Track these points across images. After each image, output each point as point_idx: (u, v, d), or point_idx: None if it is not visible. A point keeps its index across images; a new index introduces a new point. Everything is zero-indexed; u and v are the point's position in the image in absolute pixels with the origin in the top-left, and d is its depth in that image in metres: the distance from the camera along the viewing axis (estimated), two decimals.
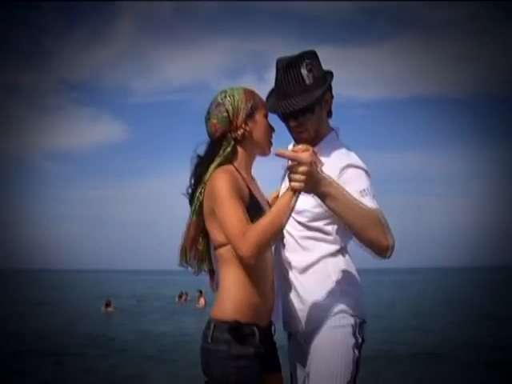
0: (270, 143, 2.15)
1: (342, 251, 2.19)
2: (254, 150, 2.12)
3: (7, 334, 14.16)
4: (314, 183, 1.78)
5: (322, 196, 1.83)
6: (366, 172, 2.09)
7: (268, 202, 2.19)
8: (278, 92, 2.14)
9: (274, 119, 2.19)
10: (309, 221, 2.14)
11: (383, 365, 9.85)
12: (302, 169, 1.74)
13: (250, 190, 2.03)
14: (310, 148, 1.77)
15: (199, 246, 2.13)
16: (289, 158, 1.79)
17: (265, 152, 2.14)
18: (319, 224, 2.14)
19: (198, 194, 2.02)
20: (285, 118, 2.17)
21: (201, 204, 2.02)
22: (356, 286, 2.20)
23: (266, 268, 2.05)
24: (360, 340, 2.12)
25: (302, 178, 1.75)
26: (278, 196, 2.19)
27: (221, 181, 1.94)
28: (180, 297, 27.44)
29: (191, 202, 2.07)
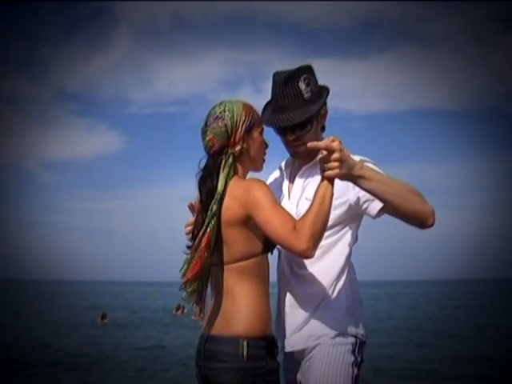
0: (264, 160, 2.15)
1: (349, 265, 2.18)
2: (248, 166, 2.10)
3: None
4: (347, 168, 1.84)
5: (358, 179, 1.88)
6: (375, 163, 2.10)
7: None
8: (275, 106, 2.14)
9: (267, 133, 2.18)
10: None
11: (380, 381, 9.79)
12: (334, 156, 1.81)
13: None
14: (337, 138, 1.85)
15: (205, 260, 1.98)
16: (322, 148, 1.84)
17: (257, 168, 2.14)
18: (328, 234, 2.09)
19: (212, 206, 1.95)
20: (282, 132, 2.17)
21: (217, 217, 1.96)
22: (360, 305, 2.21)
23: (268, 280, 2.05)
24: (359, 359, 2.11)
25: (336, 164, 1.81)
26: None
27: (259, 187, 1.94)
28: (178, 309, 27.44)
29: (203, 215, 1.99)
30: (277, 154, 2.34)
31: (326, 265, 2.14)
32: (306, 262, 2.12)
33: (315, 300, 2.13)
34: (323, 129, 2.27)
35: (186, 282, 1.97)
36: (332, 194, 1.87)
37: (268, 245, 1.99)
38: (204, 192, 2.02)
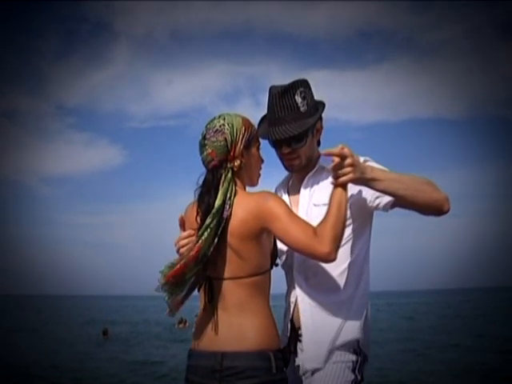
0: (259, 174, 2.15)
1: (366, 274, 2.20)
2: (245, 180, 2.08)
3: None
4: (360, 173, 1.90)
5: (371, 181, 1.94)
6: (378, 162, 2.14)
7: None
8: (271, 118, 2.15)
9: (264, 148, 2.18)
10: None
11: None
12: (347, 161, 1.88)
13: None
14: (345, 145, 1.91)
15: (189, 269, 1.91)
16: (335, 155, 1.89)
17: (253, 183, 2.13)
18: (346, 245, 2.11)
19: (208, 222, 1.91)
20: (277, 145, 2.18)
21: (213, 231, 1.90)
22: (368, 322, 2.20)
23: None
24: (359, 378, 2.09)
25: (350, 169, 1.88)
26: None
27: (272, 198, 1.95)
28: (180, 322, 27.38)
29: (201, 230, 1.93)
30: (270, 167, 2.30)
31: (343, 274, 2.13)
32: (323, 272, 2.12)
33: (334, 310, 2.11)
34: (319, 143, 2.29)
35: (165, 283, 1.90)
36: (347, 200, 1.93)
37: (273, 259, 2.03)
38: (202, 209, 1.98)
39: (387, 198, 2.04)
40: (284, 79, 2.19)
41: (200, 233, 1.91)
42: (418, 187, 1.97)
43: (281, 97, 2.12)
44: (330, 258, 1.85)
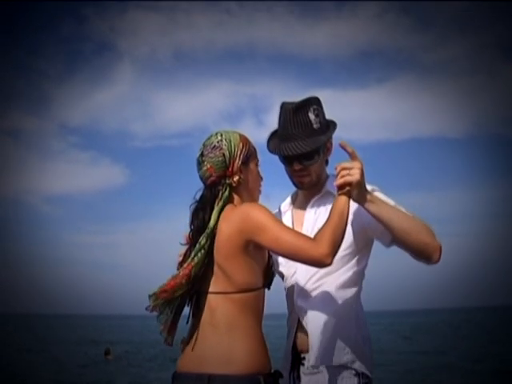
0: (259, 192, 2.12)
1: (359, 300, 2.18)
2: (244, 197, 2.04)
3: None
4: (361, 186, 1.89)
5: (370, 201, 1.92)
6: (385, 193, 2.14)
7: None
8: (283, 134, 2.13)
9: (267, 165, 2.19)
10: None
11: None
12: (357, 164, 1.88)
13: None
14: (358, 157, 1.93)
15: (179, 286, 1.89)
16: (349, 151, 1.92)
17: (254, 201, 2.09)
18: (343, 260, 2.11)
19: (201, 239, 1.91)
20: (288, 161, 2.16)
21: (206, 251, 1.90)
22: (369, 342, 2.19)
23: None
24: None
25: (358, 171, 1.86)
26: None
27: (257, 209, 1.90)
28: (182, 342, 27.13)
29: (192, 249, 1.94)
30: (270, 185, 2.31)
31: (340, 295, 2.12)
32: (324, 295, 2.11)
33: (326, 330, 2.09)
34: (327, 162, 2.26)
35: (155, 299, 1.88)
36: (349, 210, 1.89)
37: (266, 279, 1.97)
38: (195, 225, 1.98)
39: (390, 234, 2.01)
40: (286, 99, 2.19)
41: (194, 254, 1.90)
42: (413, 226, 1.94)
43: (294, 113, 2.10)
44: (327, 260, 1.80)
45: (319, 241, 1.80)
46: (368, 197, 1.93)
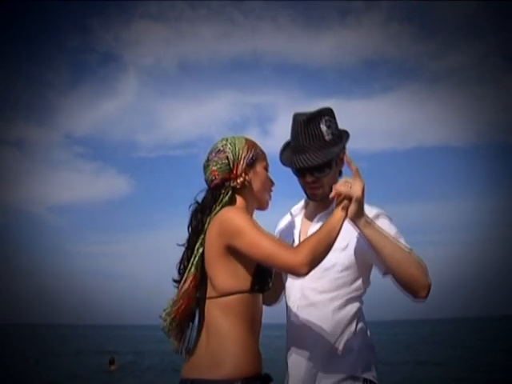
0: (269, 197, 2.08)
1: (361, 309, 2.16)
2: (252, 202, 2.03)
3: None
4: (361, 204, 1.89)
5: (366, 222, 1.91)
6: (391, 219, 2.13)
7: None
8: (295, 146, 2.11)
9: (279, 174, 2.16)
10: (339, 272, 2.10)
11: None
12: (359, 182, 1.89)
13: None
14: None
15: (192, 301, 1.95)
16: (352, 170, 1.92)
17: (263, 206, 2.07)
18: (346, 273, 2.11)
19: (198, 244, 1.93)
20: (300, 173, 2.15)
21: (201, 255, 1.92)
22: (372, 350, 2.17)
23: (259, 319, 1.97)
24: None
25: (360, 188, 1.87)
26: None
27: (235, 213, 1.88)
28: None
29: (190, 253, 1.97)
30: (285, 194, 2.26)
31: (342, 306, 2.10)
32: (321, 302, 2.10)
33: (328, 342, 2.07)
34: (340, 173, 2.24)
35: (173, 318, 1.92)
36: (341, 228, 1.87)
37: (258, 283, 1.91)
38: (193, 225, 1.98)
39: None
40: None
41: (190, 265, 1.92)
42: (405, 259, 1.92)
43: (306, 125, 2.09)
44: (302, 270, 1.76)
45: (298, 249, 1.78)
46: (365, 218, 1.93)
